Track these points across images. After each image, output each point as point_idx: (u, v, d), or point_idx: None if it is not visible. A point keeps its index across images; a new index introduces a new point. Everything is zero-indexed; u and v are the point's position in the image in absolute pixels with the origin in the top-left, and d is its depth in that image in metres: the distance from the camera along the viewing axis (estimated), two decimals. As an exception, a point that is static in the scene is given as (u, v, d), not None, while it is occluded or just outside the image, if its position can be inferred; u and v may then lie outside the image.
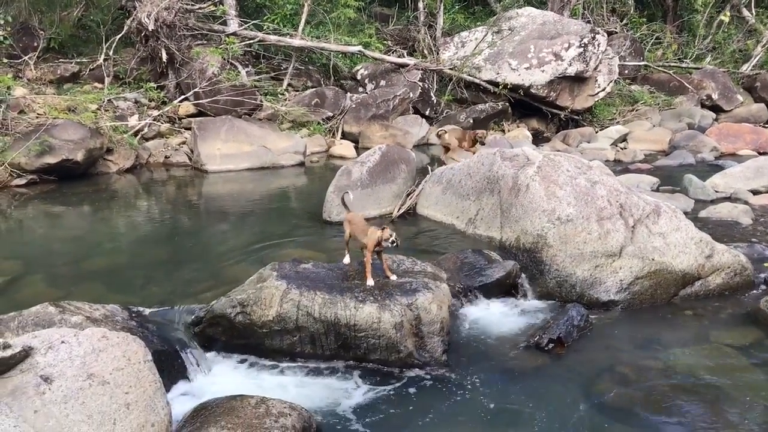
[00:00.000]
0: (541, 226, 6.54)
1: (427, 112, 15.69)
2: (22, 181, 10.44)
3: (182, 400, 4.48)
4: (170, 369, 4.60)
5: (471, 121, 15.44)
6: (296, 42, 15.21)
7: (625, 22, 21.90)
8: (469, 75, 16.10)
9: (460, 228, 7.54)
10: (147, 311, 5.34)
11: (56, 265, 6.86)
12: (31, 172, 10.47)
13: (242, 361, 5.10)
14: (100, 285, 6.19)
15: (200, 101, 13.23)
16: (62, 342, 3.69)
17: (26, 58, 13.36)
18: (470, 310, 5.91)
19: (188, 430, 3.83)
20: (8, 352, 3.45)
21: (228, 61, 14.23)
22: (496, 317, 5.90)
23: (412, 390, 4.79)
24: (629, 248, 6.32)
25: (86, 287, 6.04)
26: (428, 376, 4.95)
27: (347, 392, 4.72)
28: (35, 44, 13.71)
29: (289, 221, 8.66)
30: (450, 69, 16.17)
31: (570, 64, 15.65)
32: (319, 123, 14.52)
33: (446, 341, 5.13)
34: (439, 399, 4.69)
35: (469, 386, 4.83)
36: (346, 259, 5.81)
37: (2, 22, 12.41)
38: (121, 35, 13.93)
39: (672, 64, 20.37)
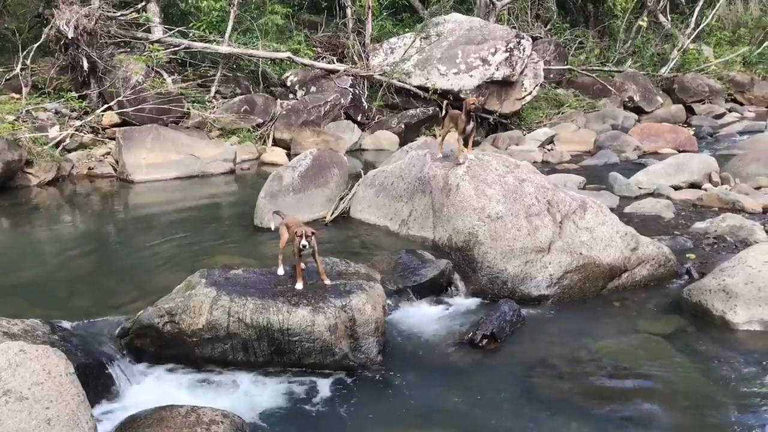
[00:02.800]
0: (472, 224, 6.61)
1: (359, 118, 15.67)
2: (-66, 197, 9.91)
3: (111, 414, 4.31)
4: (96, 383, 4.42)
5: (403, 126, 15.50)
6: (223, 49, 14.97)
7: (549, 27, 22.47)
8: (399, 81, 16.17)
9: (393, 229, 7.55)
10: (70, 324, 5.15)
11: (-29, 281, 6.53)
12: (-57, 187, 9.96)
13: (173, 372, 4.94)
14: (19, 300, 5.95)
15: (124, 110, 12.83)
16: (-25, 358, 3.48)
17: (-66, 68, 12.72)
18: (405, 309, 5.91)
19: (115, 444, 3.68)
20: None
21: (153, 69, 13.86)
22: (430, 316, 5.92)
23: (348, 392, 4.75)
24: (558, 243, 6.45)
25: (4, 302, 5.78)
26: (364, 377, 4.92)
27: (282, 398, 4.64)
28: (-55, 54, 13.08)
29: (219, 229, 8.49)
30: (380, 75, 16.21)
31: (497, 69, 15.91)
32: (249, 130, 14.30)
33: (381, 342, 5.10)
34: (375, 399, 4.67)
35: (406, 385, 4.83)
36: (280, 270, 5.55)
37: None
38: (38, 44, 13.40)
39: (595, 67, 20.99)
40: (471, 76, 15.92)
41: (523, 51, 16.13)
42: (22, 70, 13.23)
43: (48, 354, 3.65)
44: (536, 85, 17.30)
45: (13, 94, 13.03)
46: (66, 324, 5.12)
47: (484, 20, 17.97)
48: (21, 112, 12.09)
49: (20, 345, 3.65)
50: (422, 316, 5.86)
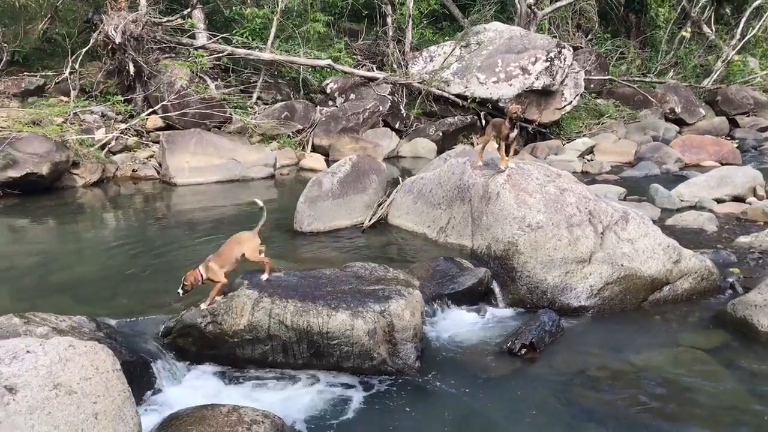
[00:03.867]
0: (512, 233, 6.58)
1: (396, 126, 15.74)
2: (-15, 195, 10.22)
3: (153, 411, 4.39)
4: (140, 380, 4.51)
5: (440, 134, 15.54)
6: (266, 55, 15.19)
7: (590, 37, 22.30)
8: (438, 89, 16.22)
9: (431, 237, 7.55)
10: (115, 322, 5.27)
11: (20, 278, 6.72)
12: (-6, 186, 10.26)
13: (214, 371, 5.02)
14: (66, 297, 6.09)
15: (168, 114, 13.11)
16: (27, 352, 3.59)
17: (-11, 71, 13.15)
18: (443, 317, 5.90)
19: (158, 440, 3.75)
20: (-29, 362, 3.35)
21: (197, 74, 14.15)
22: (468, 324, 5.90)
23: (386, 397, 4.76)
24: (599, 254, 6.38)
25: (52, 300, 5.93)
26: (402, 383, 4.92)
27: (320, 400, 4.68)
28: (-1, 58, 13.51)
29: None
30: (419, 83, 16.27)
31: (537, 78, 15.85)
32: (289, 136, 14.48)
33: (419, 348, 5.11)
34: (413, 405, 4.67)
35: (443, 392, 4.82)
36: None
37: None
38: (87, 48, 13.75)
39: (636, 78, 20.75)
40: (510, 85, 15.87)
41: (564, 61, 16.03)
42: (70, 73, 13.60)
43: (96, 350, 3.75)
44: (576, 95, 17.19)
45: (62, 97, 13.40)
46: (111, 321, 5.25)
47: (525, 29, 17.91)
48: (69, 115, 12.44)
49: (69, 340, 3.75)
50: (460, 324, 5.85)
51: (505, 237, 6.62)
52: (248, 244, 5.42)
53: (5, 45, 13.76)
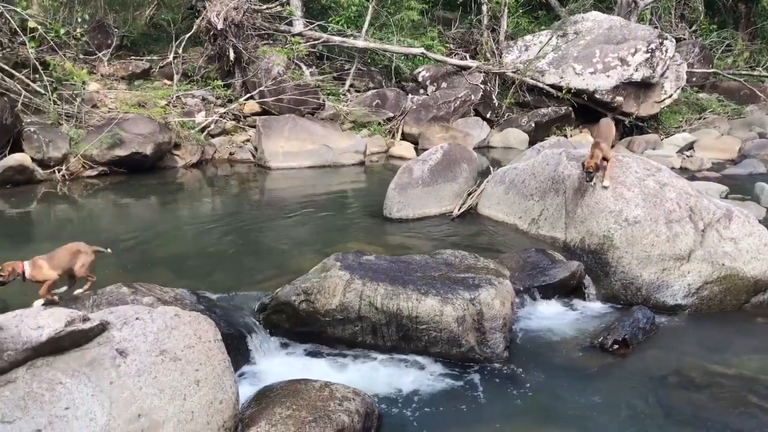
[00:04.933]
0: (608, 227, 6.43)
1: (488, 115, 15.59)
2: (94, 172, 10.81)
3: (247, 382, 4.57)
4: (236, 352, 4.68)
5: (533, 124, 15.29)
6: (360, 43, 15.34)
7: (694, 28, 21.34)
8: (532, 79, 15.94)
9: (522, 228, 7.47)
10: (214, 296, 5.48)
11: (125, 251, 7.07)
12: (102, 164, 10.83)
13: (305, 348, 5.16)
14: (167, 271, 6.38)
15: (265, 100, 13.47)
16: (137, 318, 3.80)
17: (100, 54, 13.85)
18: (532, 309, 5.85)
19: (254, 410, 3.90)
20: (87, 325, 3.58)
21: (293, 61, 14.46)
22: (558, 317, 5.82)
23: (472, 384, 4.76)
24: (698, 252, 6.15)
25: (154, 272, 6.22)
26: (489, 371, 4.92)
27: (408, 383, 4.73)
28: (109, 42, 14.21)
29: (350, 217, 8.75)
30: (513, 72, 16.05)
31: (636, 70, 15.33)
32: (379, 124, 14.60)
33: (508, 338, 5.09)
34: (499, 394, 4.66)
35: (531, 383, 4.78)
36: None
37: (80, 20, 12.90)
38: (190, 34, 14.30)
39: (743, 72, 19.71)
40: (608, 76, 15.42)
41: (666, 52, 15.42)
42: (174, 58, 14.18)
43: (199, 320, 3.93)
44: (677, 88, 16.50)
45: (166, 81, 14.00)
46: (210, 295, 5.47)
47: (625, 19, 17.31)
48: (172, 98, 12.98)
49: (175, 310, 3.95)
50: (550, 317, 5.78)
51: (600, 231, 6.47)
52: (82, 258, 4.97)
53: (115, 30, 14.49)
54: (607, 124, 7.27)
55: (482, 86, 15.65)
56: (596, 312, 5.99)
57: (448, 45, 18.03)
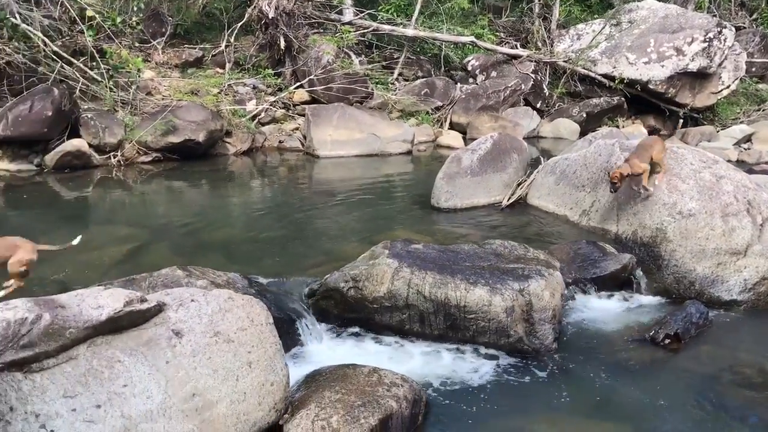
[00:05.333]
0: (661, 219, 6.30)
1: (538, 105, 15.40)
2: (148, 158, 11.05)
3: (297, 366, 4.63)
4: (286, 335, 4.75)
5: (584, 115, 15.04)
6: (409, 32, 15.30)
7: (755, 16, 20.61)
8: (584, 68, 15.67)
9: (573, 219, 7.38)
10: (264, 281, 5.57)
11: (178, 235, 7.25)
12: (156, 150, 11.06)
13: (353, 334, 5.21)
14: (218, 255, 6.51)
15: (314, 88, 13.55)
16: (192, 300, 3.89)
17: (155, 43, 14.12)
18: (583, 301, 5.78)
19: (303, 393, 3.96)
20: (145, 306, 3.67)
21: (342, 50, 14.51)
22: (609, 310, 5.75)
23: (520, 374, 4.75)
24: (756, 247, 5.98)
25: (206, 256, 6.37)
26: (537, 363, 4.89)
27: (455, 371, 4.74)
28: (163, 30, 14.49)
29: (397, 205, 8.76)
30: (564, 61, 15.80)
31: (692, 60, 14.92)
32: (427, 113, 14.56)
33: (557, 329, 5.06)
34: (547, 386, 4.63)
35: (579, 375, 4.74)
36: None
37: (136, 9, 13.18)
38: (242, 23, 14.45)
39: (806, 61, 18.99)
40: (662, 66, 15.07)
41: (724, 41, 14.97)
42: (226, 47, 14.35)
43: (252, 303, 4.00)
44: (736, 79, 16.00)
45: (218, 69, 14.20)
46: (261, 280, 5.56)
47: (682, 8, 16.85)
48: (224, 86, 13.17)
49: (229, 293, 4.02)
50: (600, 310, 5.71)
51: (653, 223, 6.35)
52: (19, 254, 4.85)
53: (169, 18, 14.76)
54: (650, 142, 6.74)
55: (533, 75, 15.46)
56: (647, 305, 5.90)
57: (498, 33, 17.83)
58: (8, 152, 10.23)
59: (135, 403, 3.31)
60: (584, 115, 15.06)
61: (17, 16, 10.72)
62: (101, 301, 3.55)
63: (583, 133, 13.47)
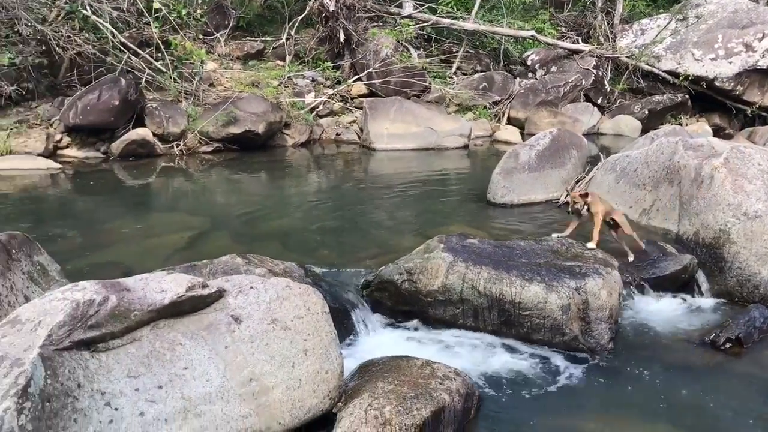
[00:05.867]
0: (725, 221, 6.12)
1: (599, 101, 15.13)
2: (209, 148, 11.32)
3: (350, 355, 4.69)
4: (340, 325, 4.81)
5: (646, 112, 14.73)
6: (469, 26, 15.22)
7: (831, 11, 19.73)
8: (648, 64, 15.33)
9: (632, 218, 7.21)
10: (319, 271, 5.64)
11: (237, 224, 7.41)
12: (217, 141, 11.33)
13: (406, 326, 5.24)
14: (275, 244, 6.64)
15: (372, 81, 13.62)
16: (251, 288, 3.97)
17: (218, 35, 14.42)
18: (641, 301, 5.67)
19: (357, 382, 4.01)
20: (206, 291, 3.78)
21: (401, 43, 14.53)
22: (668, 312, 5.62)
23: (574, 373, 4.69)
24: (826, 251, 5.76)
25: (263, 245, 6.49)
26: (592, 362, 4.82)
27: (508, 367, 4.71)
28: (226, 23, 14.78)
29: (452, 200, 8.75)
30: (627, 57, 15.49)
31: (762, 56, 14.45)
32: (485, 107, 14.47)
33: (614, 329, 4.98)
34: (601, 386, 4.56)
35: (635, 377, 4.66)
36: None
37: (200, 1, 13.47)
38: (303, 16, 14.64)
39: None
40: (730, 62, 14.62)
41: (798, 37, 14.39)
42: (287, 39, 14.58)
43: (309, 292, 4.06)
44: (809, 77, 15.37)
45: (278, 62, 14.42)
46: (317, 269, 5.64)
47: (752, 2, 16.28)
48: (283, 78, 13.37)
49: (287, 281, 4.09)
50: (659, 311, 5.58)
51: (716, 224, 6.17)
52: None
53: (233, 11, 15.03)
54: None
55: (594, 71, 15.20)
56: (708, 308, 5.75)
57: (559, 28, 17.57)
58: (77, 140, 10.63)
59: (194, 386, 3.41)
60: (646, 112, 14.74)
61: (88, 8, 11.10)
62: (165, 285, 3.67)
63: (644, 131, 13.17)
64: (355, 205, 8.42)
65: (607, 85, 15.39)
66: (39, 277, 4.64)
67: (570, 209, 5.87)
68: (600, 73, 15.32)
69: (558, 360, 4.84)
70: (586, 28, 17.47)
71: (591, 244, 5.69)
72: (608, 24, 16.77)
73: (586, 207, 5.84)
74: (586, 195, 5.87)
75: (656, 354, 4.97)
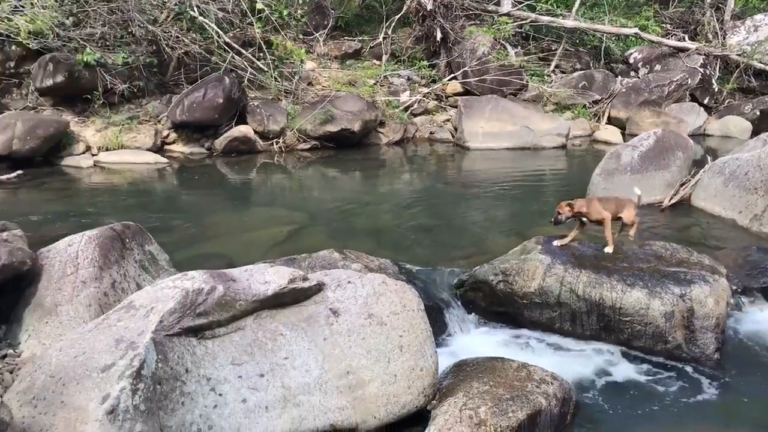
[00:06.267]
0: None
1: (705, 101, 14.44)
2: (306, 146, 11.59)
3: (444, 354, 4.68)
4: (434, 324, 4.80)
5: (758, 113, 13.94)
6: (569, 23, 14.88)
7: None
8: (761, 62, 14.49)
9: (741, 224, 6.88)
10: (414, 268, 5.66)
11: (333, 219, 7.55)
12: (315, 138, 11.57)
13: (500, 327, 5.19)
14: (370, 240, 6.72)
15: (468, 80, 13.54)
16: (349, 282, 4.05)
17: (317, 35, 14.70)
18: (751, 311, 5.38)
19: (451, 381, 4.00)
20: (306, 284, 3.87)
21: (498, 41, 14.37)
22: (780, 324, 5.31)
23: (676, 383, 4.51)
24: None
25: (359, 241, 6.58)
26: (696, 373, 4.62)
27: (606, 374, 4.59)
28: (325, 23, 15.06)
29: (549, 201, 8.54)
30: (737, 55, 14.71)
31: None
32: (584, 106, 14.10)
33: (720, 339, 4.74)
34: (705, 398, 4.36)
35: (742, 390, 4.42)
36: None
37: (301, 1, 13.78)
38: (400, 15, 14.72)
39: None
40: None
41: None
42: (383, 39, 14.71)
43: (405, 289, 4.09)
44: None
45: (375, 61, 14.57)
46: (410, 267, 5.66)
47: None
48: (380, 77, 13.49)
49: (383, 277, 4.14)
50: (769, 322, 5.29)
51: (837, 232, 5.79)
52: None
53: (332, 11, 15.30)
54: (623, 201, 5.67)
55: (701, 70, 14.53)
56: (826, 322, 5.38)
57: (664, 25, 16.90)
58: (182, 136, 11.11)
59: (294, 375, 3.51)
60: (758, 113, 13.96)
61: (195, 9, 11.57)
62: (268, 277, 3.79)
63: (755, 132, 12.46)
64: (449, 203, 8.39)
65: (715, 85, 14.67)
66: (149, 265, 4.89)
67: (552, 219, 5.42)
68: (707, 72, 14.61)
69: (659, 369, 4.67)
70: (693, 25, 16.72)
71: (608, 249, 5.40)
72: (717, 20, 15.97)
73: (574, 217, 5.41)
74: (572, 206, 5.37)
75: (766, 367, 4.71)
